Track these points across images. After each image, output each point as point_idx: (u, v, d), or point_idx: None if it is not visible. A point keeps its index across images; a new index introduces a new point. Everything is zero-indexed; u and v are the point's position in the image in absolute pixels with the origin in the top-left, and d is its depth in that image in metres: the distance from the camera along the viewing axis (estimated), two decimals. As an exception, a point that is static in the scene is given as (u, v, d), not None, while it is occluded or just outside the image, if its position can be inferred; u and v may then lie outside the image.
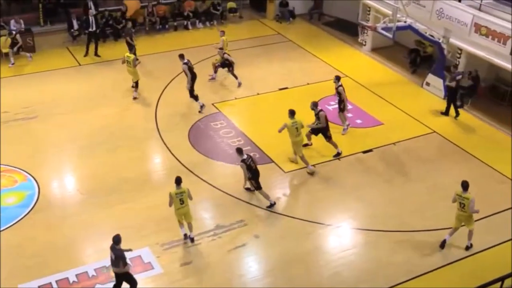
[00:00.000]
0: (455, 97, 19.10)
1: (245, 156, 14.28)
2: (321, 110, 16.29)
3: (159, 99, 19.51)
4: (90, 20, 21.91)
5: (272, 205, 14.58)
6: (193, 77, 18.69)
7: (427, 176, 16.15)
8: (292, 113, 15.63)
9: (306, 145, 16.76)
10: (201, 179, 15.50)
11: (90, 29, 21.95)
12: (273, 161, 16.44)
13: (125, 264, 11.42)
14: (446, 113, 19.22)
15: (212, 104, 19.16)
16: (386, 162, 16.79)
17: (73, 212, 14.26)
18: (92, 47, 22.15)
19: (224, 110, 18.11)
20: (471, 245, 13.48)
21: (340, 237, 14.05)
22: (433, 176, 16.14)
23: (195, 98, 18.80)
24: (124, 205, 14.45)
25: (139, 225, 13.78)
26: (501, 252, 13.47)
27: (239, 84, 20.43)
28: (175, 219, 13.35)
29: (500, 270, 11.81)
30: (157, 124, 18.03)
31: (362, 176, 16.09)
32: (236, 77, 20.46)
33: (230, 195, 15.01)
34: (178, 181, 13.04)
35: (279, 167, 16.24)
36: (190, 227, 13.41)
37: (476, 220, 13.65)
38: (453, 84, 18.74)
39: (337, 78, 17.59)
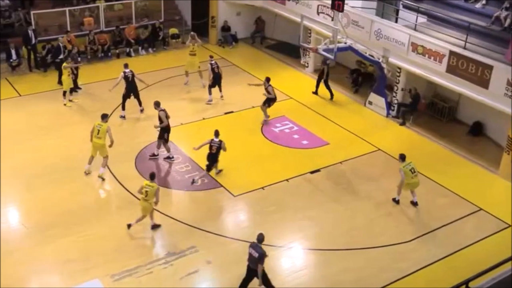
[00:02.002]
0: (321, 77, 21.89)
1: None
2: (161, 110, 17.11)
3: (103, 127, 19.18)
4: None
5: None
6: (128, 87, 19.43)
7: (374, 193, 16.43)
8: (103, 117, 16.55)
9: (167, 157, 17.50)
10: (150, 206, 15.28)
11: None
12: (221, 186, 16.39)
13: (263, 263, 11.88)
14: (315, 92, 22.23)
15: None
16: (334, 181, 17.00)
17: (17, 246, 13.75)
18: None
19: (171, 136, 17.95)
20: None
21: (292, 258, 14.09)
22: (379, 193, 16.42)
23: (122, 106, 19.68)
24: (70, 237, 14.05)
25: (86, 257, 13.42)
26: (450, 264, 13.79)
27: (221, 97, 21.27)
28: (123, 250, 13.05)
29: (451, 282, 12.07)
30: (103, 153, 17.70)
31: (311, 196, 16.23)
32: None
33: (180, 221, 14.85)
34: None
35: (228, 191, 16.19)
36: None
37: (423, 235, 13.95)
38: (322, 66, 21.78)
39: (267, 80, 19.76)
